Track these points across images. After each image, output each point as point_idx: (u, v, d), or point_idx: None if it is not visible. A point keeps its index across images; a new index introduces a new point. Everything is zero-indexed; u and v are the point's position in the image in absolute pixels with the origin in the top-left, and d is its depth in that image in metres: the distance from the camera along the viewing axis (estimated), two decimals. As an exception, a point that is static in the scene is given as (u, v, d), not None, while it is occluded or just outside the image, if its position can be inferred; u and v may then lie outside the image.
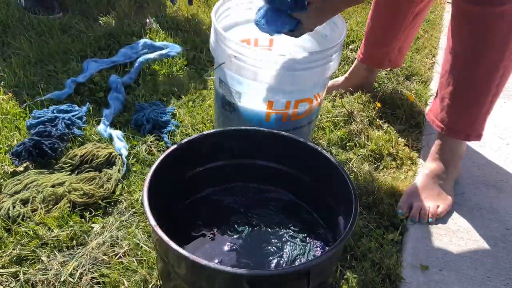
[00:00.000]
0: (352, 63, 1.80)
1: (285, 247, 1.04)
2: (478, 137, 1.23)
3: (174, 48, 1.78)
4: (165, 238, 0.77)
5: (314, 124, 1.33)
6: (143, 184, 0.87)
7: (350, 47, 1.91)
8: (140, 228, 1.12)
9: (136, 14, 2.03)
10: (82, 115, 1.43)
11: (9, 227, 1.10)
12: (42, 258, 1.04)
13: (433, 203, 1.21)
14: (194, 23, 1.99)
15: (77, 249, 1.06)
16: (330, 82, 1.63)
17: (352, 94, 1.60)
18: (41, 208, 1.14)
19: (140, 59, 1.69)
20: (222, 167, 1.10)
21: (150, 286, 0.99)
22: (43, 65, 1.68)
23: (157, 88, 1.60)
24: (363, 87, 1.61)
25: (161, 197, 0.96)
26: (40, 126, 1.34)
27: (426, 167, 1.28)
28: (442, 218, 1.21)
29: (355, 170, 1.31)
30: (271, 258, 1.01)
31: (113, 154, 1.29)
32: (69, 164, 1.27)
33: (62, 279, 0.99)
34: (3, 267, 1.02)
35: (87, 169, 1.26)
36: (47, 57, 1.71)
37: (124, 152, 1.30)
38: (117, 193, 1.21)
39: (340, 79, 1.66)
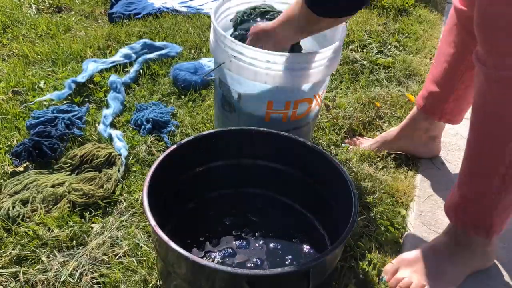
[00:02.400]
0: (352, 63, 1.81)
1: (285, 247, 1.04)
2: (485, 231, 0.99)
3: (174, 48, 1.78)
4: (165, 238, 0.77)
5: (314, 124, 1.32)
6: (143, 184, 0.87)
7: (350, 47, 1.91)
8: (140, 228, 1.11)
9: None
10: (82, 115, 1.43)
11: (9, 227, 1.10)
12: (42, 258, 1.04)
13: (418, 279, 1.01)
14: (194, 23, 1.99)
15: (77, 249, 1.06)
16: (382, 137, 1.38)
17: (409, 158, 1.36)
18: (41, 208, 1.14)
19: (140, 59, 1.70)
20: (222, 167, 1.10)
21: (150, 286, 0.99)
22: (43, 65, 1.68)
23: (157, 88, 1.60)
24: (425, 145, 1.36)
25: (161, 197, 0.96)
26: (40, 126, 1.34)
27: (436, 238, 1.08)
28: None
29: (355, 170, 1.31)
30: (271, 258, 1.01)
31: (113, 154, 1.29)
32: (69, 164, 1.27)
33: (62, 279, 0.99)
34: (3, 267, 1.02)
35: (87, 169, 1.26)
36: (47, 57, 1.71)
37: (124, 152, 1.30)
38: (117, 193, 1.21)
39: (393, 131, 1.37)
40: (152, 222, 0.80)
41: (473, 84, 0.94)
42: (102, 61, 1.67)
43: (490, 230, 0.99)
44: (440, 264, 1.02)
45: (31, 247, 1.05)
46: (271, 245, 1.04)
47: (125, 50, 1.73)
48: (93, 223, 1.13)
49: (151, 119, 1.41)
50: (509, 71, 0.82)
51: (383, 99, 1.60)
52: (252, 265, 1.00)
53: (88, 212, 1.15)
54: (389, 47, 1.93)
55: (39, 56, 1.71)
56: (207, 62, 1.70)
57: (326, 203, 1.03)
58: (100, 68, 1.64)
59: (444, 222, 1.20)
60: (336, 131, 1.45)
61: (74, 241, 1.08)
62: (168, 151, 0.95)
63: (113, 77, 1.57)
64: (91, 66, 1.62)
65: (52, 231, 1.09)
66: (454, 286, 1.03)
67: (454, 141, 1.48)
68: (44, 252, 1.05)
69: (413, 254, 1.05)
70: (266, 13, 1.20)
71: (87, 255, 1.04)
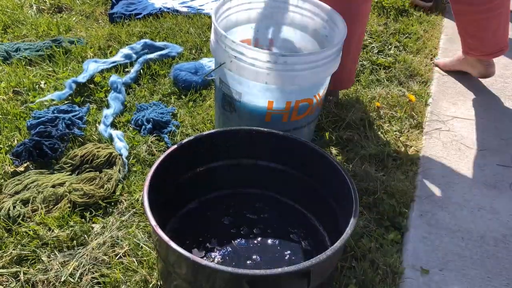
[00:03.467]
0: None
1: (285, 245, 1.04)
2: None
3: (175, 48, 1.78)
4: (166, 238, 0.77)
5: (314, 124, 1.32)
6: (144, 184, 0.87)
7: (351, 47, 1.90)
8: (141, 228, 1.12)
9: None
10: (83, 115, 1.44)
11: (9, 227, 1.10)
12: (42, 258, 1.04)
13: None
14: (195, 23, 1.99)
15: (78, 249, 1.06)
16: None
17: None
18: (42, 208, 1.14)
19: (141, 59, 1.70)
20: (222, 167, 1.10)
21: (151, 286, 0.99)
22: (44, 65, 1.68)
23: (157, 88, 1.60)
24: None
25: (162, 197, 0.96)
26: (41, 126, 1.34)
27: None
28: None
29: (356, 170, 1.31)
30: (270, 255, 1.01)
31: (113, 154, 1.29)
32: (70, 164, 1.27)
33: (62, 279, 0.99)
34: (3, 267, 1.02)
35: (88, 169, 1.26)
36: (47, 57, 1.71)
37: (125, 152, 1.30)
38: (117, 193, 1.21)
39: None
40: (153, 222, 0.80)
41: None
42: (103, 61, 1.67)
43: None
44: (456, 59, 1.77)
45: (32, 247, 1.05)
46: (270, 243, 1.04)
47: (125, 50, 1.73)
48: (93, 223, 1.13)
49: (151, 119, 1.42)
50: None
51: (383, 99, 1.60)
52: (252, 263, 1.00)
53: (89, 212, 1.15)
54: (389, 47, 1.93)
55: (40, 56, 1.71)
56: (208, 62, 1.70)
57: (326, 203, 1.03)
58: (101, 68, 1.64)
59: (444, 222, 1.20)
60: (336, 130, 1.45)
61: (75, 241, 1.08)
62: (168, 151, 0.96)
63: (113, 77, 1.57)
64: (92, 66, 1.62)
65: (53, 231, 1.09)
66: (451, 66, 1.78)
67: (454, 142, 1.48)
68: (45, 252, 1.05)
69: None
70: None
71: (87, 255, 1.04)
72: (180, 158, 0.99)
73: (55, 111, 1.42)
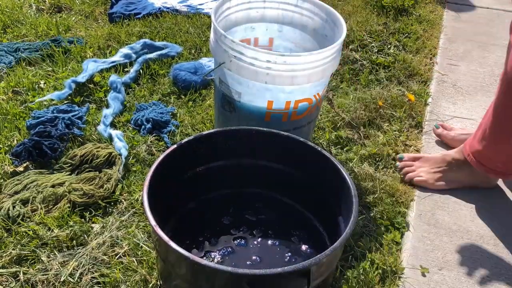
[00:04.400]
0: (352, 63, 1.81)
1: (285, 245, 1.04)
2: (504, 175, 1.24)
3: (174, 48, 1.78)
4: (165, 238, 0.77)
5: (314, 124, 1.32)
6: (143, 184, 0.87)
7: (350, 47, 1.91)
8: (140, 228, 1.12)
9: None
10: (82, 115, 1.43)
11: (9, 227, 1.10)
12: (42, 258, 1.04)
13: (419, 171, 1.29)
14: (194, 22, 1.99)
15: (77, 249, 1.06)
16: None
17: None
18: (41, 208, 1.14)
19: (140, 59, 1.69)
20: (222, 167, 1.10)
21: (150, 286, 0.99)
22: (43, 65, 1.68)
23: (157, 88, 1.60)
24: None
25: (161, 197, 0.96)
26: (40, 126, 1.34)
27: (450, 151, 1.32)
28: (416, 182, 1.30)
29: (355, 170, 1.31)
30: (270, 255, 1.01)
31: (113, 154, 1.29)
32: (69, 164, 1.27)
33: (62, 279, 0.99)
34: (3, 267, 1.02)
35: (87, 169, 1.26)
36: (47, 57, 1.71)
37: (124, 152, 1.30)
38: (117, 193, 1.21)
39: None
40: (152, 222, 0.80)
41: None
42: (102, 61, 1.67)
43: (507, 173, 1.22)
44: (444, 169, 1.28)
45: (31, 247, 1.05)
46: (270, 243, 1.04)
47: (125, 50, 1.73)
48: (93, 223, 1.13)
49: (151, 119, 1.42)
50: None
51: (383, 99, 1.60)
52: (251, 263, 1.00)
53: (88, 212, 1.15)
54: (389, 46, 1.93)
55: (39, 56, 1.71)
56: (207, 62, 1.70)
57: (326, 203, 1.03)
58: (100, 68, 1.64)
59: (444, 221, 1.20)
60: (336, 129, 1.45)
61: (74, 241, 1.08)
62: (168, 151, 0.95)
63: (113, 77, 1.57)
64: (91, 66, 1.62)
65: (52, 231, 1.09)
66: (445, 186, 1.28)
67: (454, 141, 1.48)
68: (44, 252, 1.05)
69: (430, 156, 1.32)
70: None
71: (87, 255, 1.04)
72: (179, 158, 0.99)
73: (54, 111, 1.42)
